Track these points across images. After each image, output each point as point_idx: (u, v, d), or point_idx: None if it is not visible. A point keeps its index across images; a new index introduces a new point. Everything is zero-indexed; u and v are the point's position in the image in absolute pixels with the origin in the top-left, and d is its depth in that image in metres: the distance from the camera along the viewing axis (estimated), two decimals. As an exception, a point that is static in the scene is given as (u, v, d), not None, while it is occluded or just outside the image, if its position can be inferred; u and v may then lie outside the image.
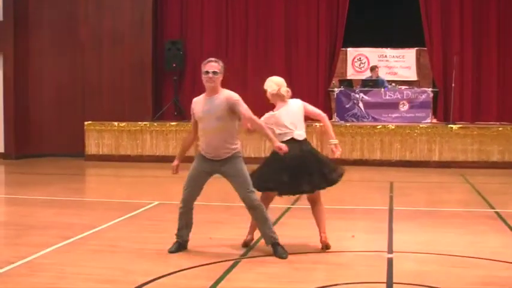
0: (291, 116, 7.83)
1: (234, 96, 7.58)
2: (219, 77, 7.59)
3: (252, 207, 7.61)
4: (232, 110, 7.52)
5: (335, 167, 7.88)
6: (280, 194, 8.00)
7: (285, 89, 7.93)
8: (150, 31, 19.37)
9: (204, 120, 7.62)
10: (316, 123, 16.60)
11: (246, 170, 7.65)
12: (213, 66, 7.56)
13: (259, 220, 7.64)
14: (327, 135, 8.07)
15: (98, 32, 19.33)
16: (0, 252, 7.91)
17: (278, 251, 7.57)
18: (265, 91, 8.10)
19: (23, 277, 6.73)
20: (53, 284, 6.49)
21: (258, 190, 7.86)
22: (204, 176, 7.68)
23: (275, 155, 7.80)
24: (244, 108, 7.52)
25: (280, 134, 7.82)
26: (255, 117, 7.53)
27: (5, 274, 6.83)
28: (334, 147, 7.96)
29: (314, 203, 7.98)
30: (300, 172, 7.64)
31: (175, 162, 7.86)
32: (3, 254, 7.82)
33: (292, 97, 8.04)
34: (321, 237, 7.85)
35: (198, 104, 7.71)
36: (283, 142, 7.74)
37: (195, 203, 7.76)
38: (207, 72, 7.53)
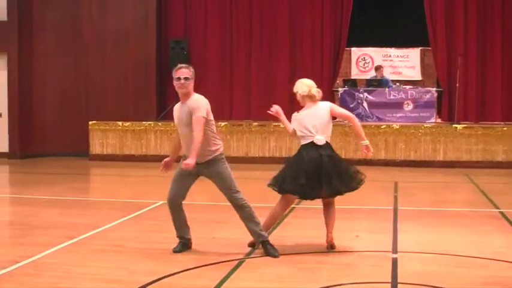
0: (314, 119, 7.81)
1: (194, 103, 7.51)
2: (191, 83, 7.62)
3: (237, 207, 7.66)
4: None
5: (355, 174, 7.87)
6: (301, 198, 8.03)
7: (315, 90, 7.96)
8: (154, 31, 19.39)
9: (179, 127, 7.70)
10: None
11: (230, 170, 7.68)
12: (184, 72, 7.59)
13: (247, 219, 7.67)
14: (358, 137, 8.05)
15: (101, 32, 19.34)
16: (5, 252, 7.93)
17: (269, 249, 7.61)
18: (294, 94, 8.09)
19: (28, 277, 6.75)
20: (57, 284, 6.51)
21: (279, 192, 7.89)
22: (188, 177, 7.70)
23: (295, 158, 7.90)
24: (195, 116, 7.41)
25: (301, 137, 7.86)
26: (199, 129, 7.40)
27: (10, 273, 6.84)
28: (365, 148, 7.95)
29: (328, 205, 7.99)
30: (317, 176, 7.63)
31: (167, 159, 7.94)
32: (8, 253, 7.84)
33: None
34: (327, 236, 7.85)
35: (175, 110, 7.77)
36: (303, 145, 7.79)
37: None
38: (179, 79, 7.57)
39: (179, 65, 7.74)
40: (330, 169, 7.67)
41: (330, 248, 7.81)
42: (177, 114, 7.72)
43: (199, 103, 7.53)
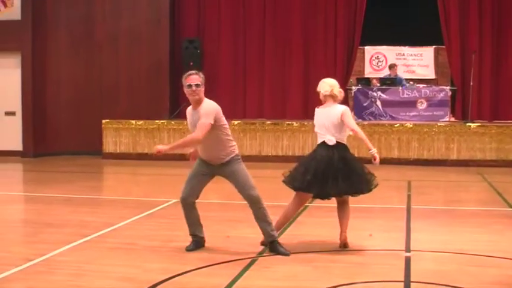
0: (324, 119, 7.85)
1: (203, 110, 7.49)
2: (202, 89, 7.58)
3: (253, 203, 7.61)
4: None
5: (368, 177, 7.85)
6: (313, 196, 8.03)
7: (337, 90, 7.98)
8: (167, 30, 19.44)
9: (193, 132, 7.63)
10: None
11: (245, 169, 7.67)
12: (194, 79, 7.55)
13: (260, 218, 7.65)
14: (366, 146, 8.00)
15: (115, 31, 19.40)
16: (18, 250, 7.96)
17: (279, 249, 7.60)
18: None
19: (41, 274, 6.77)
20: (70, 281, 6.52)
21: (293, 189, 7.90)
22: (202, 177, 7.71)
23: (308, 156, 8.03)
24: (201, 122, 7.40)
25: (317, 134, 7.96)
26: (198, 133, 7.37)
27: (24, 271, 6.87)
28: (372, 157, 7.92)
29: (342, 203, 7.99)
30: (325, 175, 7.64)
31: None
32: (22, 251, 7.87)
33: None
34: (341, 235, 7.85)
35: (188, 115, 7.75)
36: (318, 144, 7.90)
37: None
38: (190, 86, 7.53)
39: (189, 72, 7.71)
40: (339, 169, 7.68)
41: (343, 246, 7.80)
42: (189, 119, 7.71)
43: (208, 109, 7.50)
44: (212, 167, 7.63)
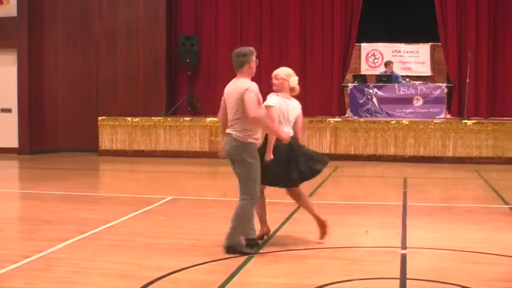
0: (294, 112, 7.90)
1: None
2: None
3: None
4: None
5: (319, 157, 7.87)
6: (269, 184, 7.92)
7: (295, 82, 7.92)
8: (164, 26, 19.44)
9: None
10: (330, 119, 16.69)
11: None
12: None
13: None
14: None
15: (112, 27, 19.41)
16: (16, 247, 7.96)
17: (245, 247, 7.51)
18: (278, 78, 8.02)
19: (39, 271, 6.76)
20: (68, 279, 6.52)
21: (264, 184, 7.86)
22: None
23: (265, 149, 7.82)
24: None
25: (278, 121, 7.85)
26: None
27: (21, 268, 6.86)
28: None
29: (297, 197, 7.95)
30: (286, 163, 7.61)
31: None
32: (19, 248, 7.87)
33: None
34: (320, 222, 7.82)
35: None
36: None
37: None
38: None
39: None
40: (300, 153, 7.67)
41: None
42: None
43: None
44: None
